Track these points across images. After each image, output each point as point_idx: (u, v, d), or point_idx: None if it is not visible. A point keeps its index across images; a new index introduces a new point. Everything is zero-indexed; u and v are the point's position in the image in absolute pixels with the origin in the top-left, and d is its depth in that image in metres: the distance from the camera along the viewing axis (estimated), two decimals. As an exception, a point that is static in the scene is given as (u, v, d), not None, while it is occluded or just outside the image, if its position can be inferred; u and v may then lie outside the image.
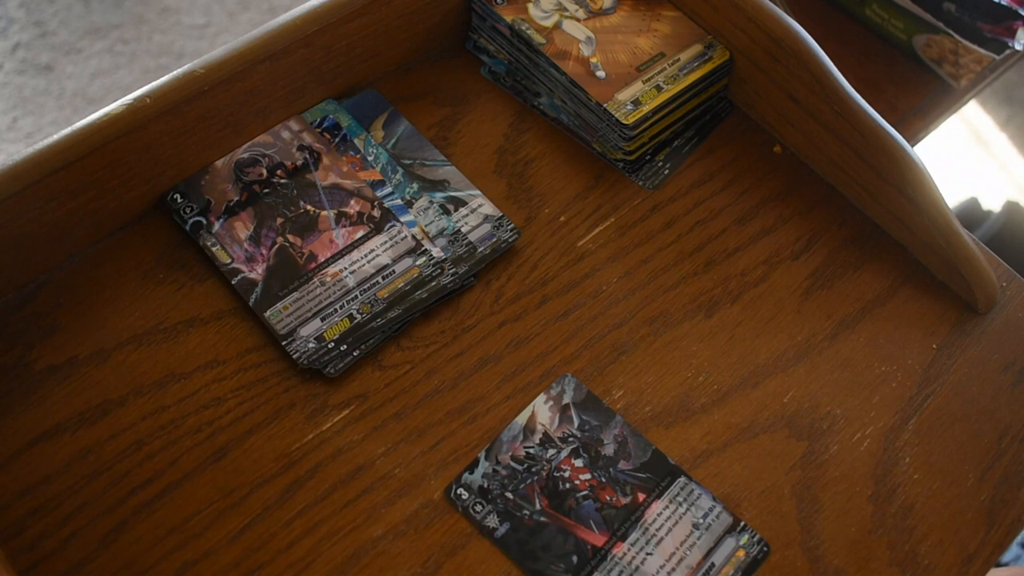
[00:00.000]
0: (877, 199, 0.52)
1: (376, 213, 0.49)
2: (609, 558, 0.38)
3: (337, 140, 0.51)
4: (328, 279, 0.47)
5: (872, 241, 0.52)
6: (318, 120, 0.51)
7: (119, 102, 0.44)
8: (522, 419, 0.40)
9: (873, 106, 0.49)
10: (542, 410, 0.40)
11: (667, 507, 0.39)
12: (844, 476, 0.45)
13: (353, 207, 0.49)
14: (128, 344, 0.45)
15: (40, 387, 0.44)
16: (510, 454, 0.39)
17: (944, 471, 0.46)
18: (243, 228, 0.48)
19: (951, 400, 0.48)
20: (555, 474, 0.39)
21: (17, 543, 0.40)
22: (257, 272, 0.47)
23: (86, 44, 1.30)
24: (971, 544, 0.44)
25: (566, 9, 0.54)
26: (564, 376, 0.42)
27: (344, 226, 0.48)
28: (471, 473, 0.40)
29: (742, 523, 0.40)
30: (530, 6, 0.54)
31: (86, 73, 1.27)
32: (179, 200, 0.48)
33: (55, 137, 0.43)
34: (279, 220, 0.48)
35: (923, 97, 0.62)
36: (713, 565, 0.39)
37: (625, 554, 0.38)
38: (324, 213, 0.49)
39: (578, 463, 0.39)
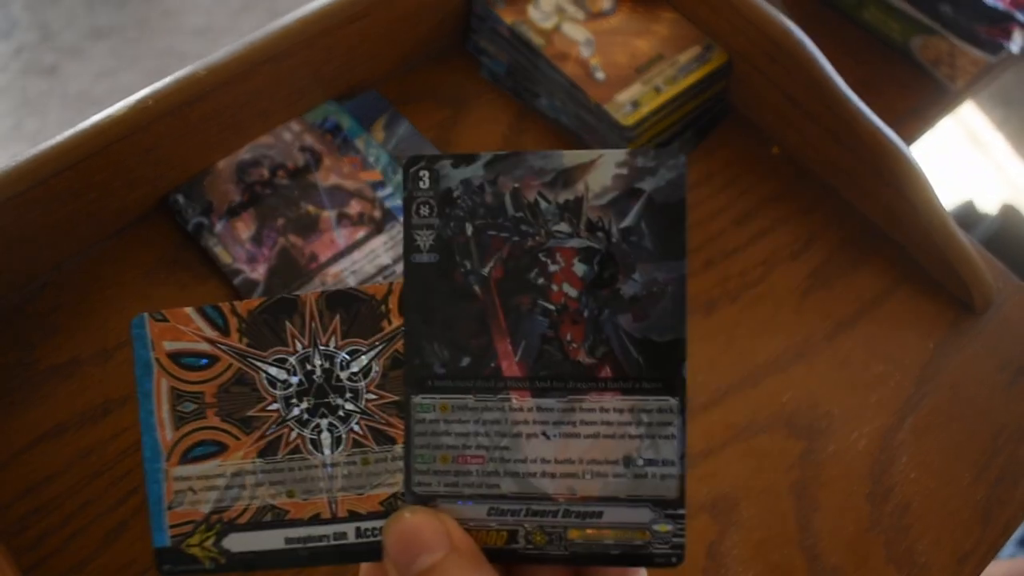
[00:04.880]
0: (875, 200, 0.52)
1: (377, 214, 0.49)
2: (500, 397, 0.26)
3: (338, 141, 0.51)
4: (329, 279, 0.47)
5: (870, 242, 0.53)
6: (319, 121, 0.52)
7: (122, 103, 0.45)
8: (572, 159, 0.27)
9: (870, 107, 0.50)
10: (605, 170, 0.27)
11: (621, 413, 0.26)
12: (842, 475, 0.45)
13: (354, 208, 0.49)
14: (130, 344, 0.45)
15: (42, 387, 0.44)
16: (517, 183, 0.27)
17: (940, 470, 0.46)
18: (245, 229, 0.48)
19: (948, 400, 0.48)
20: (539, 253, 0.27)
21: (19, 542, 0.40)
22: (259, 272, 0.47)
23: (89, 46, 1.30)
24: (967, 543, 0.44)
25: (565, 11, 0.55)
26: (676, 153, 0.27)
27: (345, 226, 0.49)
28: (457, 166, 0.27)
29: (681, 510, 0.26)
30: (530, 8, 0.54)
31: (89, 75, 1.27)
32: (181, 201, 0.48)
33: (58, 138, 0.43)
34: (280, 221, 0.48)
35: (920, 98, 0.62)
36: (599, 515, 0.26)
37: (522, 410, 0.26)
38: (325, 214, 0.49)
39: (578, 270, 0.27)
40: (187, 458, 0.27)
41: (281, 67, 0.48)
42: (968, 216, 1.08)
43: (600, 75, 0.52)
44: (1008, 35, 0.59)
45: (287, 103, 0.51)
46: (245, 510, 0.27)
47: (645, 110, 0.51)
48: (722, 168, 0.54)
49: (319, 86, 0.52)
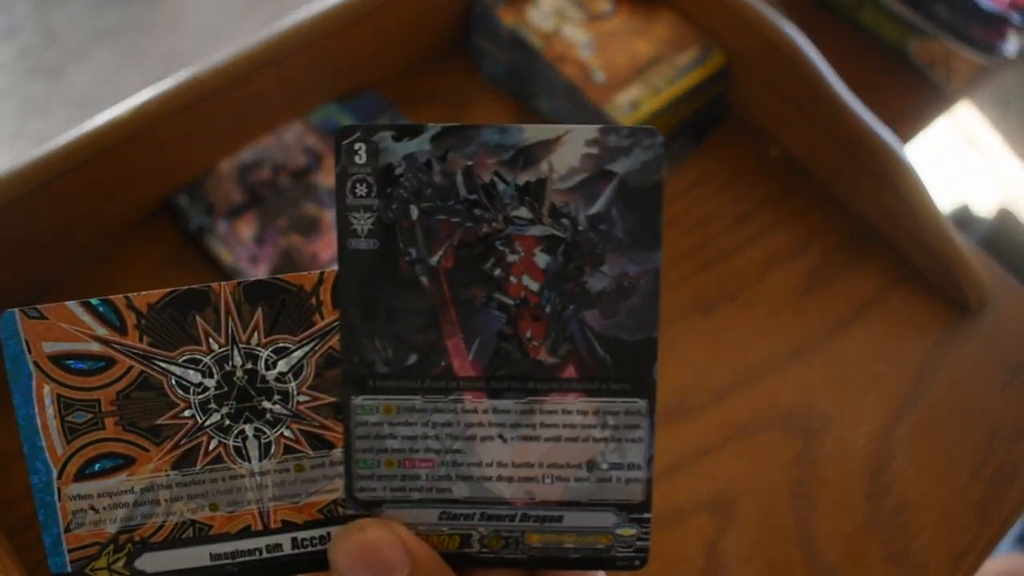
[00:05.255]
0: (871, 201, 0.52)
1: (377, 215, 0.50)
2: (451, 398, 0.24)
3: (339, 143, 0.52)
4: (330, 279, 0.47)
5: (867, 242, 0.53)
6: (321, 122, 0.52)
7: (125, 105, 0.45)
8: (534, 135, 0.23)
9: (867, 108, 0.50)
10: (572, 149, 0.24)
11: (585, 415, 0.25)
12: (839, 474, 0.46)
13: (355, 209, 0.50)
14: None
15: (47, 385, 0.44)
16: (470, 161, 0.23)
17: (937, 469, 0.46)
18: (247, 229, 0.48)
19: (944, 399, 0.48)
20: (496, 241, 0.24)
21: (22, 540, 0.41)
22: (261, 272, 0.47)
23: (93, 48, 1.31)
24: (963, 541, 0.44)
25: (565, 13, 0.55)
26: (653, 132, 0.24)
27: (346, 227, 0.49)
28: (399, 139, 0.24)
29: (647, 513, 0.25)
30: (529, 10, 0.55)
31: (93, 77, 1.28)
32: (184, 202, 0.49)
33: (61, 140, 0.43)
34: (282, 221, 0.49)
35: (916, 100, 0.62)
36: (559, 519, 0.25)
37: (476, 412, 0.24)
38: (327, 214, 0.49)
39: (540, 261, 0.24)
40: (84, 475, 0.24)
41: (283, 69, 0.49)
42: (964, 217, 1.08)
43: (599, 76, 0.53)
44: (1003, 37, 0.60)
45: (289, 104, 0.51)
46: (161, 527, 0.24)
47: (644, 111, 0.52)
48: (721, 169, 0.55)
49: (321, 87, 0.52)
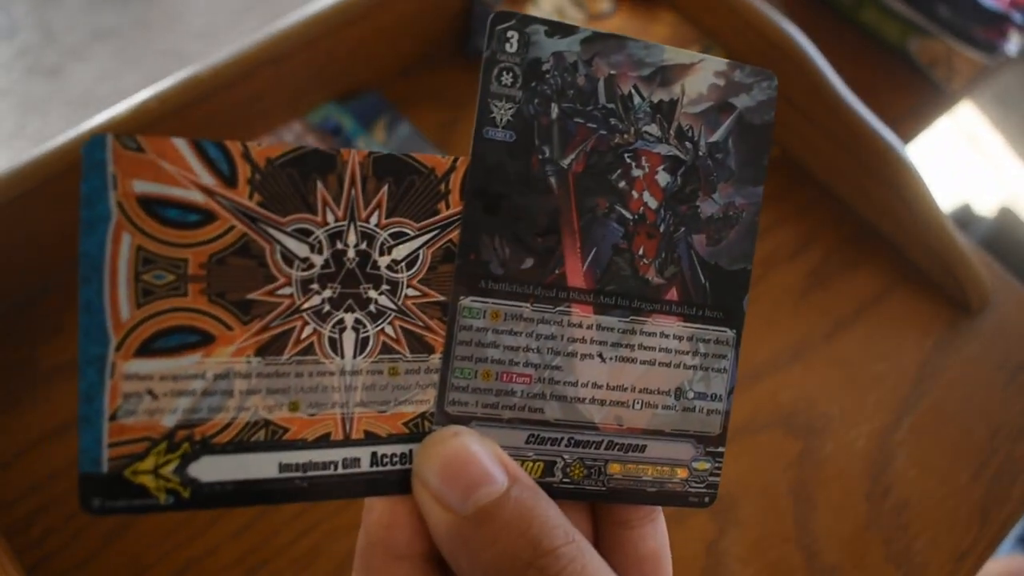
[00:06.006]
0: (872, 200, 0.52)
1: (377, 214, 0.49)
2: (559, 309, 0.23)
3: (339, 142, 0.52)
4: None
5: (867, 242, 0.53)
6: (320, 122, 0.52)
7: (124, 105, 0.45)
8: (673, 57, 0.24)
9: (868, 108, 0.50)
10: (703, 77, 0.24)
11: (680, 340, 0.25)
12: (840, 474, 0.46)
13: (354, 208, 0.50)
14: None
15: (46, 386, 0.44)
16: (613, 70, 0.24)
17: (938, 469, 0.46)
18: (246, 229, 0.48)
19: (945, 399, 0.48)
20: (624, 153, 0.24)
21: (23, 539, 0.41)
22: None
23: (92, 47, 1.31)
24: (965, 541, 0.44)
25: (565, 13, 0.55)
26: (770, 74, 0.25)
27: (346, 227, 0.49)
28: (552, 35, 0.24)
29: (722, 447, 0.25)
30: (530, 10, 0.54)
31: (92, 76, 1.28)
32: (183, 202, 0.49)
33: (61, 139, 0.43)
34: (281, 221, 0.49)
35: (917, 99, 0.62)
36: (643, 449, 0.24)
37: (581, 327, 0.24)
38: (326, 214, 0.49)
39: (661, 179, 0.24)
40: (149, 349, 0.19)
41: (282, 68, 0.49)
42: (965, 217, 1.08)
43: (599, 76, 0.52)
44: (1004, 36, 0.59)
45: (288, 104, 0.51)
46: (228, 425, 0.20)
47: (644, 111, 0.51)
48: (721, 169, 0.55)
49: (320, 87, 0.52)
